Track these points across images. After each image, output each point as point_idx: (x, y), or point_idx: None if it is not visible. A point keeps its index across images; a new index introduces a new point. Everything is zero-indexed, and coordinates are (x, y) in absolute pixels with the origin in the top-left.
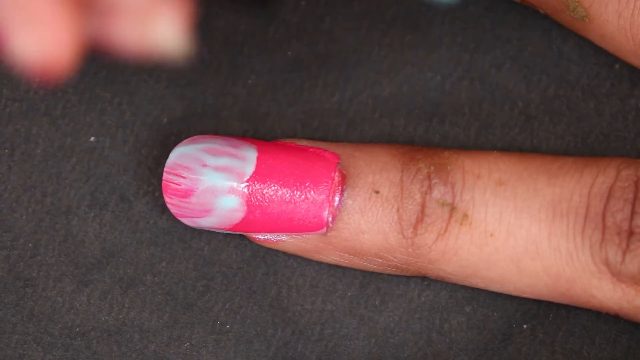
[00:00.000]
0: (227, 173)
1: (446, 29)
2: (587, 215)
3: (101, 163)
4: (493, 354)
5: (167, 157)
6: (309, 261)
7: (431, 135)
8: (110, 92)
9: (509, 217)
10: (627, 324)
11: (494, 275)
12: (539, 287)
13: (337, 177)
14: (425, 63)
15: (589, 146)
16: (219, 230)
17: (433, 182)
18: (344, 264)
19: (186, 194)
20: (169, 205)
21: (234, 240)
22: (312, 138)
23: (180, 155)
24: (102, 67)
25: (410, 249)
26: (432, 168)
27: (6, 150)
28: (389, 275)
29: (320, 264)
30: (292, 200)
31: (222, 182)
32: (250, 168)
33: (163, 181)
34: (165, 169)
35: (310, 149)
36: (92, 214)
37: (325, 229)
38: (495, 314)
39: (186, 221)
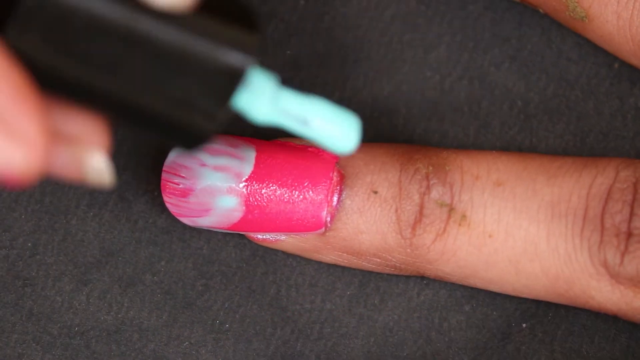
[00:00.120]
0: (226, 173)
1: (445, 28)
2: (585, 217)
3: None
4: (492, 352)
5: (166, 156)
6: (308, 260)
7: (430, 134)
8: None
9: (507, 218)
10: (626, 323)
11: (492, 275)
12: (538, 288)
13: (335, 177)
14: (425, 62)
15: (588, 145)
16: (218, 230)
17: (431, 182)
18: (342, 264)
19: (185, 193)
20: (167, 205)
21: (233, 240)
22: None
23: (179, 154)
24: None
25: (408, 249)
26: (430, 168)
27: None
28: (388, 274)
29: (319, 263)
30: (291, 200)
31: (220, 181)
32: (248, 168)
33: (162, 181)
34: (164, 168)
35: (309, 149)
36: (91, 214)
37: (323, 228)
38: (495, 313)
39: (185, 220)
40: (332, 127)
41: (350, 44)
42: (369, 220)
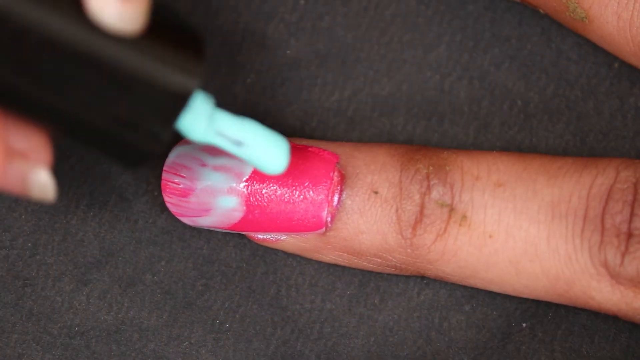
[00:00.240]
0: (226, 173)
1: (445, 27)
2: (586, 217)
3: (100, 162)
4: (492, 352)
5: (166, 156)
6: (308, 260)
7: (430, 134)
8: None
9: (507, 219)
10: (626, 323)
11: (492, 276)
12: (538, 289)
13: (336, 177)
14: (425, 62)
15: (588, 145)
16: (219, 230)
17: (432, 182)
18: (343, 264)
19: (185, 193)
20: (168, 205)
21: (233, 240)
22: (311, 137)
23: (180, 154)
24: None
25: (409, 250)
26: (430, 168)
27: None
28: (388, 274)
29: (319, 262)
30: (291, 200)
31: (221, 181)
32: (249, 168)
33: (162, 180)
34: (164, 168)
35: (310, 149)
36: (91, 214)
37: (324, 228)
38: (495, 312)
39: (186, 220)
40: (264, 149)
41: (350, 44)
42: (369, 220)
